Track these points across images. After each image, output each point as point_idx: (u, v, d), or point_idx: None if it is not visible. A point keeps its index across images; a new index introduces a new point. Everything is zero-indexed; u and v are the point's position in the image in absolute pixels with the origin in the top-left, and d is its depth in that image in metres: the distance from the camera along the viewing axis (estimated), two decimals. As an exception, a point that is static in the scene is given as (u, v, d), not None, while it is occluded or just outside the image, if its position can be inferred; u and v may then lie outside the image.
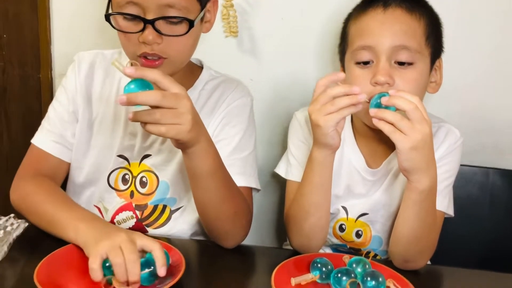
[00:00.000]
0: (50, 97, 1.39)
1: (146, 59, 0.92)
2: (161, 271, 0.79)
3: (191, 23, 0.91)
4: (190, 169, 0.90)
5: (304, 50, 1.29)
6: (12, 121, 1.45)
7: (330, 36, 1.23)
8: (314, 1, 1.25)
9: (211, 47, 1.29)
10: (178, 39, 0.91)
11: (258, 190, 1.06)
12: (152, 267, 0.80)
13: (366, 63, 0.95)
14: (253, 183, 1.03)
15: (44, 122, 1.07)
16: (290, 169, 1.07)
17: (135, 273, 0.78)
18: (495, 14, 1.22)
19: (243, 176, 1.01)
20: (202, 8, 0.95)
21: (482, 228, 1.23)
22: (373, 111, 0.84)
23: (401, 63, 0.94)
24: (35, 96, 1.41)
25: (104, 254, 0.79)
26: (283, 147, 1.14)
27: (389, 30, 0.94)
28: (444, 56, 1.06)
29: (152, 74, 0.78)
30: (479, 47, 1.24)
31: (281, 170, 1.10)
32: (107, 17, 0.92)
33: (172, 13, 0.90)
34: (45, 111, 1.09)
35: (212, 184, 0.91)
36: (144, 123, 0.78)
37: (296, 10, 1.27)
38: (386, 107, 0.84)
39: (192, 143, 0.84)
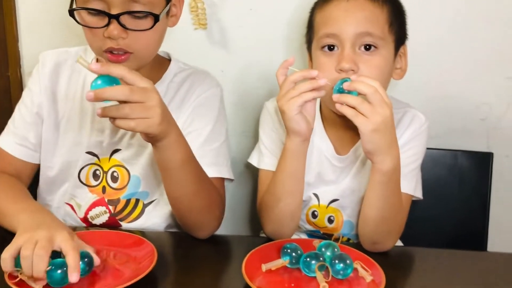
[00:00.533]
0: (20, 95, 1.36)
1: (112, 54, 0.92)
2: (71, 277, 0.76)
3: (156, 18, 0.92)
4: (161, 162, 0.90)
5: (273, 40, 1.30)
6: (-18, 120, 1.44)
7: (298, 26, 1.24)
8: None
9: (181, 40, 1.29)
10: (143, 34, 0.92)
11: (231, 180, 1.07)
12: (64, 269, 0.78)
13: (331, 48, 0.97)
14: (225, 173, 1.04)
15: (9, 123, 1.08)
16: (262, 158, 1.08)
17: (39, 268, 0.76)
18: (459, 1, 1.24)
19: (215, 166, 1.02)
20: (167, 2, 0.95)
21: (451, 209, 1.26)
22: (335, 96, 0.87)
23: (366, 47, 0.95)
24: (5, 94, 1.40)
25: (20, 246, 0.78)
26: (256, 137, 1.15)
27: (353, 18, 0.96)
28: (410, 43, 1.09)
29: (117, 70, 0.78)
30: (444, 33, 1.26)
31: (253, 160, 1.11)
32: (71, 12, 0.91)
33: (137, 7, 0.90)
34: (14, 108, 1.09)
35: (184, 177, 0.91)
36: (113, 119, 0.78)
37: (264, 1, 1.27)
38: (349, 92, 0.86)
39: (162, 136, 0.84)
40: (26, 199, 0.97)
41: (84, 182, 1.06)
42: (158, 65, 1.08)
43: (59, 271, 0.77)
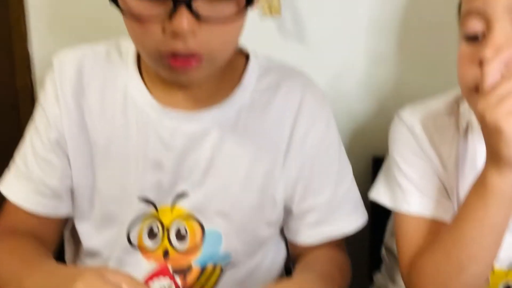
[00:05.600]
0: (32, 110, 1.11)
1: (176, 59, 0.64)
2: None
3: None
4: None
5: (359, 30, 1.04)
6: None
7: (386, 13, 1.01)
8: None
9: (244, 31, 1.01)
10: (221, 27, 0.63)
11: None
12: None
13: (475, 38, 0.67)
14: (364, 216, 0.83)
15: (18, 160, 0.78)
16: (404, 196, 0.76)
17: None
18: None
19: (354, 215, 0.81)
20: None
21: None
22: None
23: None
24: (12, 109, 1.16)
25: None
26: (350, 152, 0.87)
27: None
28: None
29: None
30: None
31: (382, 197, 0.80)
32: None
33: None
34: (24, 129, 0.80)
35: None
36: None
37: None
38: None
39: None
40: (39, 260, 0.69)
41: (136, 244, 0.76)
42: (230, 63, 0.75)
43: None
